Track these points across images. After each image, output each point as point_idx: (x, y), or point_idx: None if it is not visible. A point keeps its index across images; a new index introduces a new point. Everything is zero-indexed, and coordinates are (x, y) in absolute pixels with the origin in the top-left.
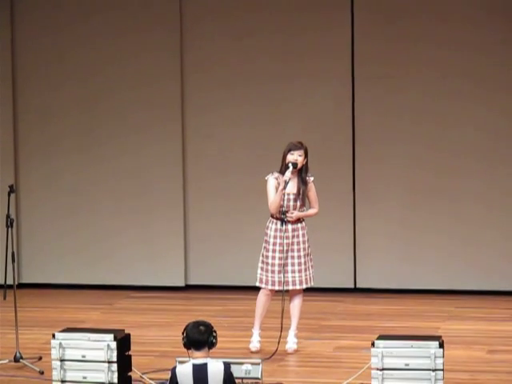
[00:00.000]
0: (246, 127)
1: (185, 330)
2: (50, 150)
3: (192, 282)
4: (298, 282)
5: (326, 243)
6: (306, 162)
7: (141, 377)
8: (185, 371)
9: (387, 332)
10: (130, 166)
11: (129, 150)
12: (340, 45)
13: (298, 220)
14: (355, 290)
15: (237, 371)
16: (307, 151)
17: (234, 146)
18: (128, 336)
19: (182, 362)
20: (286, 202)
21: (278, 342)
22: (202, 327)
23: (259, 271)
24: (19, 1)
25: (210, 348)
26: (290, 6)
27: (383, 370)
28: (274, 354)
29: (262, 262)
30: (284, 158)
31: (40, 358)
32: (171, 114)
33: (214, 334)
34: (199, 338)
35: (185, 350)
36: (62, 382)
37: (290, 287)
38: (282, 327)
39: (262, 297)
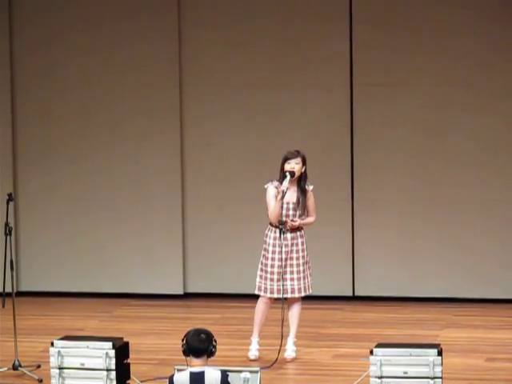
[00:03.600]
0: (244, 136)
1: (185, 336)
2: (48, 158)
3: (191, 290)
4: (296, 289)
5: (325, 251)
6: (305, 170)
7: None
8: (182, 379)
9: (386, 340)
10: (129, 175)
11: (127, 159)
12: (339, 54)
13: (297, 228)
14: (354, 298)
15: (235, 379)
16: (305, 159)
17: (232, 154)
18: (126, 344)
19: (180, 370)
20: (285, 211)
21: (279, 351)
22: (202, 335)
23: (258, 279)
24: (18, 9)
25: (208, 357)
26: (289, 16)
27: (382, 378)
28: (274, 363)
29: (261, 269)
30: (281, 167)
31: (39, 366)
32: (170, 123)
33: (214, 343)
34: (199, 346)
35: (183, 357)
36: None
37: (289, 295)
38: (282, 336)
39: (260, 305)
